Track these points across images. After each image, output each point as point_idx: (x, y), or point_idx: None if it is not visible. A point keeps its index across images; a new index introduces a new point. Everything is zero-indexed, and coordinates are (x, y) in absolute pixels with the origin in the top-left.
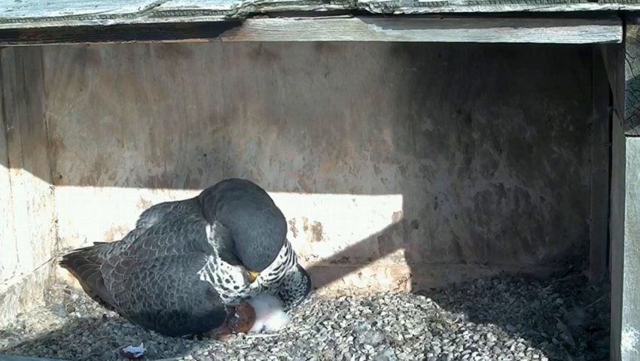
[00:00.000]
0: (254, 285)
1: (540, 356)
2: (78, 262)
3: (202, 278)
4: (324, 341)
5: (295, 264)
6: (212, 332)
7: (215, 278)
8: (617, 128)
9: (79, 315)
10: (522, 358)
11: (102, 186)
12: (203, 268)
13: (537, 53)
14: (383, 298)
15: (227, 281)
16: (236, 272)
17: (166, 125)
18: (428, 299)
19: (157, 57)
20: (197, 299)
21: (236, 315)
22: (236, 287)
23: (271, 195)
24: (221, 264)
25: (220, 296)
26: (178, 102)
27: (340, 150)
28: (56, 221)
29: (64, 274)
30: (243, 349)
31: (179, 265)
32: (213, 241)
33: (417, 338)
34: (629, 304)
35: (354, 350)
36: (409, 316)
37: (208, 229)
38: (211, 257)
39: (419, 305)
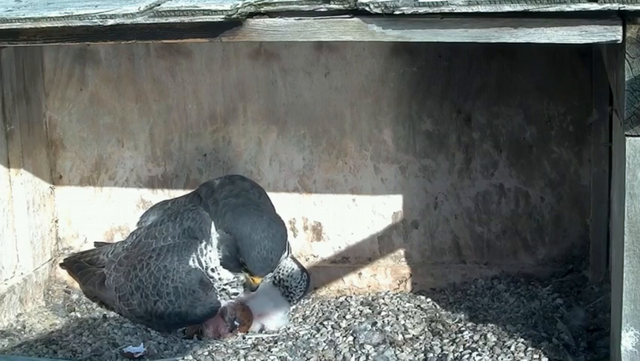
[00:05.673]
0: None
1: (540, 356)
2: (78, 267)
3: (191, 264)
4: (324, 341)
5: (289, 255)
6: (211, 332)
7: (203, 264)
8: (617, 128)
9: (79, 315)
10: (522, 358)
11: (102, 186)
12: (193, 254)
13: (537, 53)
14: (383, 298)
15: (213, 271)
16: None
17: (165, 125)
18: (428, 299)
19: (157, 57)
20: (191, 289)
21: (236, 323)
22: (220, 278)
23: (271, 195)
24: (212, 255)
25: (214, 286)
26: (178, 102)
27: (340, 150)
28: (56, 221)
29: (64, 274)
30: (243, 349)
31: (174, 255)
32: (217, 249)
33: (417, 338)
34: (629, 304)
35: (354, 350)
36: (409, 316)
37: (213, 225)
38: (203, 243)
39: (419, 305)
